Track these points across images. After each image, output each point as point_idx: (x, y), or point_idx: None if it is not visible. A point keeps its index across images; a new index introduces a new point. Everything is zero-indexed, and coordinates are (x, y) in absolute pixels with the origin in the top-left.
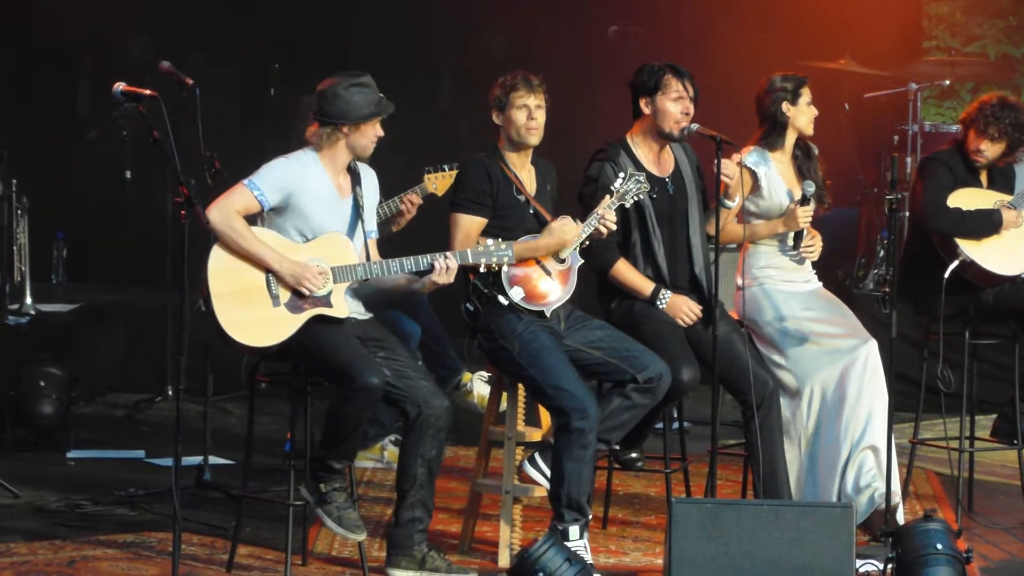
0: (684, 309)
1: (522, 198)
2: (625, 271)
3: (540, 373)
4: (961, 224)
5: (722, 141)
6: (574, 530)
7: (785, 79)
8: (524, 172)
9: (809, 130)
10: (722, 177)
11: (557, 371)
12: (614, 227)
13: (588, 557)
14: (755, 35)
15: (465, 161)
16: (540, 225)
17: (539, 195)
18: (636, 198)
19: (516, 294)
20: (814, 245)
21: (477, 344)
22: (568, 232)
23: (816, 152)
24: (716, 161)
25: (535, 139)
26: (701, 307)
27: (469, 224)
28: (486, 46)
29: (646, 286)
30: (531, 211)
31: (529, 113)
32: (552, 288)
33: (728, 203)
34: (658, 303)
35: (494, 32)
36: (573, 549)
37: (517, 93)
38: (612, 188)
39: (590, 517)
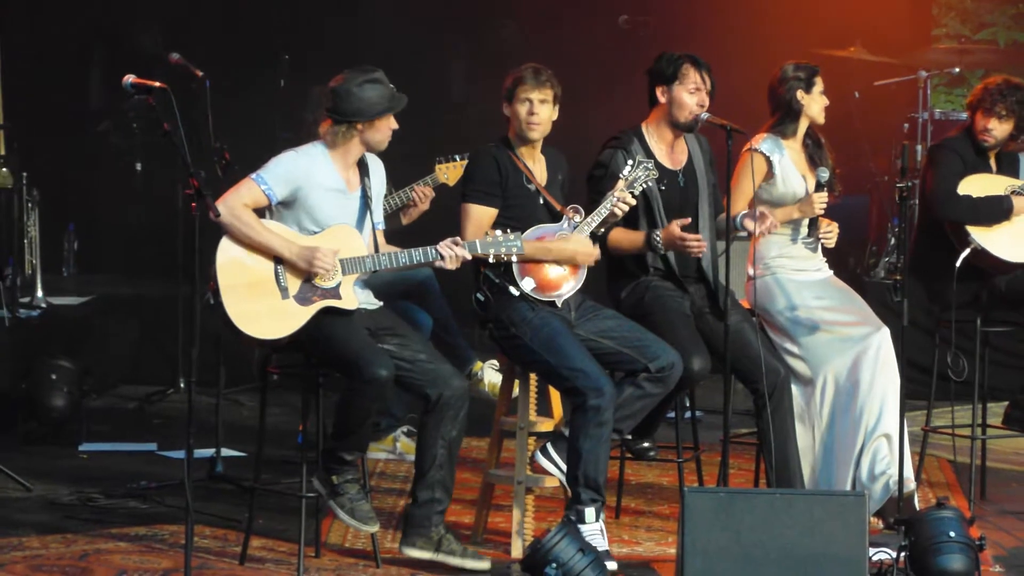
0: (678, 235)
1: (532, 187)
2: (617, 236)
3: (554, 356)
4: (972, 212)
5: (733, 130)
6: (590, 512)
7: (798, 68)
8: (533, 162)
9: (821, 119)
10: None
11: (570, 353)
12: (627, 208)
13: (604, 541)
14: (765, 24)
15: (474, 151)
16: (551, 215)
17: (550, 185)
18: (644, 185)
19: (527, 284)
20: (832, 231)
21: (488, 334)
22: (582, 251)
23: (823, 141)
24: (727, 149)
25: (535, 134)
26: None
27: (480, 214)
28: (496, 35)
29: (638, 237)
30: (541, 201)
31: (530, 108)
32: (563, 278)
33: (741, 234)
34: (656, 246)
35: (504, 21)
36: (589, 533)
37: (523, 87)
38: (621, 175)
39: (605, 500)
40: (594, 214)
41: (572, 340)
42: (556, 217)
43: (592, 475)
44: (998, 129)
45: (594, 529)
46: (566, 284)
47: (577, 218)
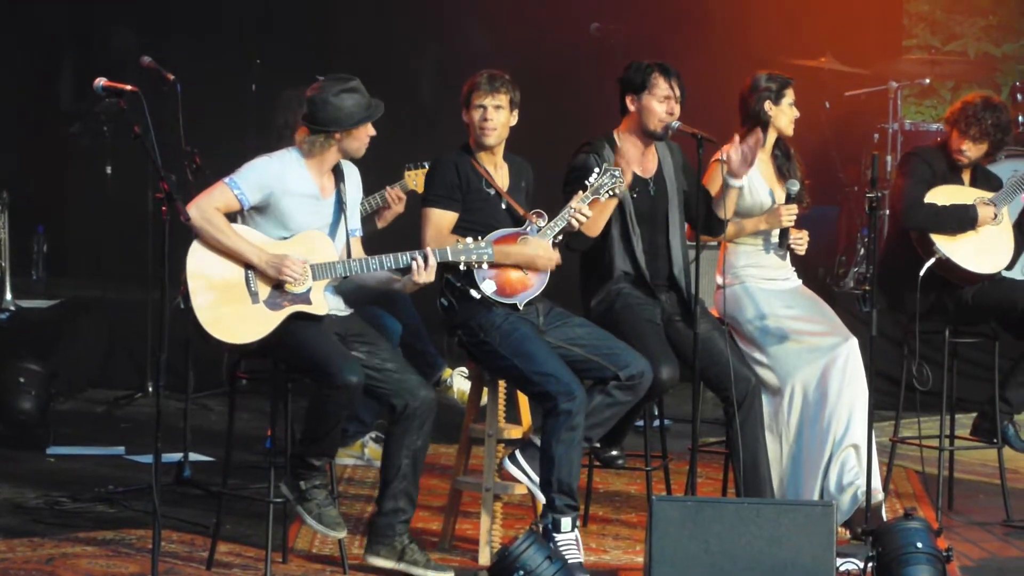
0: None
1: (492, 192)
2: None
3: (523, 361)
4: (936, 219)
5: (703, 139)
6: (566, 522)
7: (770, 79)
8: (495, 168)
9: (789, 131)
10: (727, 156)
11: (540, 357)
12: (585, 220)
13: (579, 553)
14: (736, 33)
15: (435, 159)
16: (513, 219)
17: (512, 191)
18: (611, 192)
19: (488, 287)
20: (803, 238)
21: (457, 340)
22: (542, 255)
23: (793, 152)
24: (698, 159)
25: (490, 139)
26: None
27: (440, 218)
28: (467, 42)
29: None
30: (504, 206)
31: (484, 114)
32: (524, 281)
33: (733, 182)
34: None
35: (475, 28)
36: (564, 542)
37: (476, 93)
38: (587, 182)
39: (579, 508)
40: (557, 218)
41: (542, 345)
42: (519, 221)
43: (566, 480)
44: (972, 150)
45: (569, 539)
46: (527, 287)
47: (540, 222)
